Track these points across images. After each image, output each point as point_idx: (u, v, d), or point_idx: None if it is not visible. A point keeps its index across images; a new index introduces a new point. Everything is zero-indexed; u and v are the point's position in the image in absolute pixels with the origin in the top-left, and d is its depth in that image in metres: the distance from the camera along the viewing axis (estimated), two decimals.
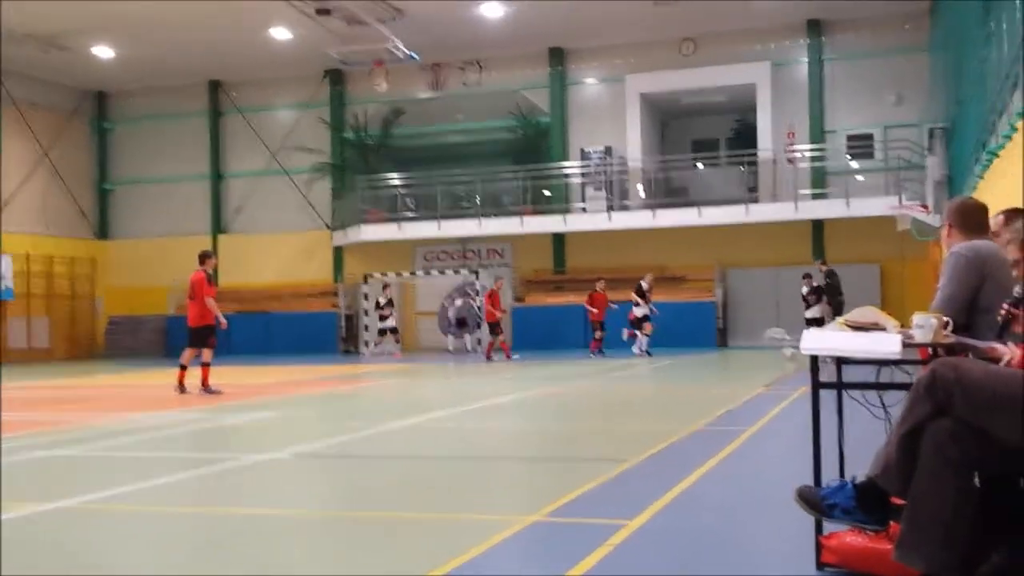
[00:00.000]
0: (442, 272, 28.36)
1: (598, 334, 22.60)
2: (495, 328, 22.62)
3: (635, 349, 22.27)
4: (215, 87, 31.49)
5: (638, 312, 22.35)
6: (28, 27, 25.03)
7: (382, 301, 25.02)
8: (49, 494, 6.36)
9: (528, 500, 6.05)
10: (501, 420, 11.01)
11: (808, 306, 21.83)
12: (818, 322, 19.50)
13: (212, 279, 15.10)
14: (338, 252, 30.31)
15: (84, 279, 31.44)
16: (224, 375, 19.93)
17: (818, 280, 22.27)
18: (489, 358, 22.34)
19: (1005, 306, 3.82)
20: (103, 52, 27.92)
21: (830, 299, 21.44)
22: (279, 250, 30.84)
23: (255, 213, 31.35)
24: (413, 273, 27.99)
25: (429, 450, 8.52)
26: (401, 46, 23.73)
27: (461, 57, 29.13)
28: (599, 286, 23.04)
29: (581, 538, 4.85)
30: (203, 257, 15.21)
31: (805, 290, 22.10)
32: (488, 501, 6.20)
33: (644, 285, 22.37)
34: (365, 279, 28.27)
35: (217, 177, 31.64)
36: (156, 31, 25.99)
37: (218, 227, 31.58)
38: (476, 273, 27.68)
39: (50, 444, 8.94)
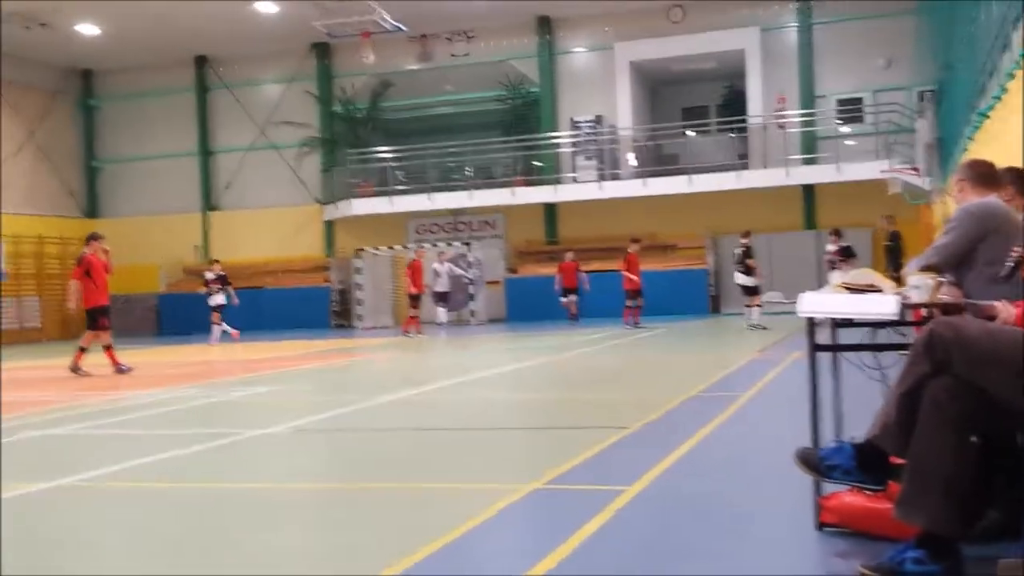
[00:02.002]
0: (434, 244, 28.31)
1: (565, 300, 23.07)
2: (413, 301, 22.43)
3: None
4: (201, 63, 31.24)
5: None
6: (10, 4, 24.75)
7: (210, 277, 22.31)
8: (45, 473, 6.36)
9: (528, 468, 6.07)
10: (497, 391, 11.03)
11: (832, 267, 18.26)
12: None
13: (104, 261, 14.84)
14: (329, 226, 30.23)
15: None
16: (218, 351, 19.95)
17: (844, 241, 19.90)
18: (406, 333, 22.00)
19: (1017, 249, 3.81)
20: (87, 29, 27.64)
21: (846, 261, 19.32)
22: (270, 225, 30.74)
23: (245, 189, 31.22)
24: (405, 246, 27.95)
25: (427, 422, 8.54)
26: (388, 17, 23.53)
27: (449, 28, 28.93)
28: (568, 256, 23.68)
29: (582, 504, 4.87)
30: (89, 238, 15.09)
31: (831, 248, 19.27)
32: (488, 470, 6.23)
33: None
34: (357, 253, 28.21)
35: (206, 153, 31.47)
36: (141, 7, 25.70)
37: (208, 204, 31.46)
38: (468, 245, 27.64)
39: (43, 424, 8.93)
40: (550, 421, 8.32)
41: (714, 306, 26.46)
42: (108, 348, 14.38)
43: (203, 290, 22.42)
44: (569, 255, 23.80)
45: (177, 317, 29.39)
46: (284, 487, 5.90)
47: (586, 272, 23.88)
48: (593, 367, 13.47)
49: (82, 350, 14.28)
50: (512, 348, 16.87)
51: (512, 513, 4.85)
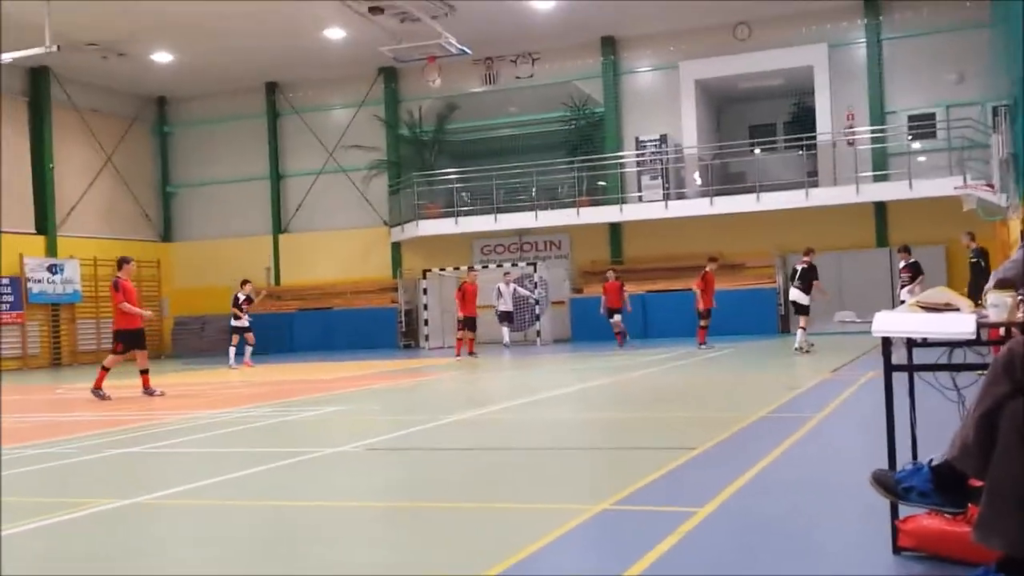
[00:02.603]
0: (499, 265, 28.44)
1: (613, 320, 22.99)
2: (466, 324, 21.67)
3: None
4: (272, 89, 31.90)
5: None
6: (88, 35, 25.58)
7: (241, 298, 22.38)
8: (125, 491, 6.52)
9: (595, 489, 6.05)
10: (564, 411, 11.02)
11: (903, 284, 18.68)
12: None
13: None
14: (396, 248, 30.56)
15: (150, 281, 32.08)
16: (288, 371, 20.25)
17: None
18: (457, 356, 21.64)
19: None
20: (162, 57, 28.45)
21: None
22: (338, 247, 31.19)
23: (314, 212, 31.74)
24: (471, 267, 28.11)
25: (493, 442, 8.57)
26: (454, 41, 23.76)
27: (513, 50, 29.16)
28: (610, 275, 23.49)
29: (650, 526, 4.84)
30: (121, 262, 14.82)
31: (901, 264, 19.18)
32: (555, 490, 6.22)
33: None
34: (424, 274, 28.45)
35: (276, 177, 32.08)
36: (213, 36, 26.42)
37: (278, 226, 32.03)
38: (534, 265, 27.71)
39: (123, 442, 9.16)
40: (617, 441, 8.28)
41: (783, 326, 26.10)
42: (144, 372, 14.46)
43: (234, 312, 22.41)
44: (610, 274, 23.53)
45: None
46: (356, 505, 5.97)
47: (649, 292, 23.72)
48: (660, 387, 13.38)
49: (105, 369, 14.35)
50: (577, 368, 16.84)
51: (580, 534, 4.83)
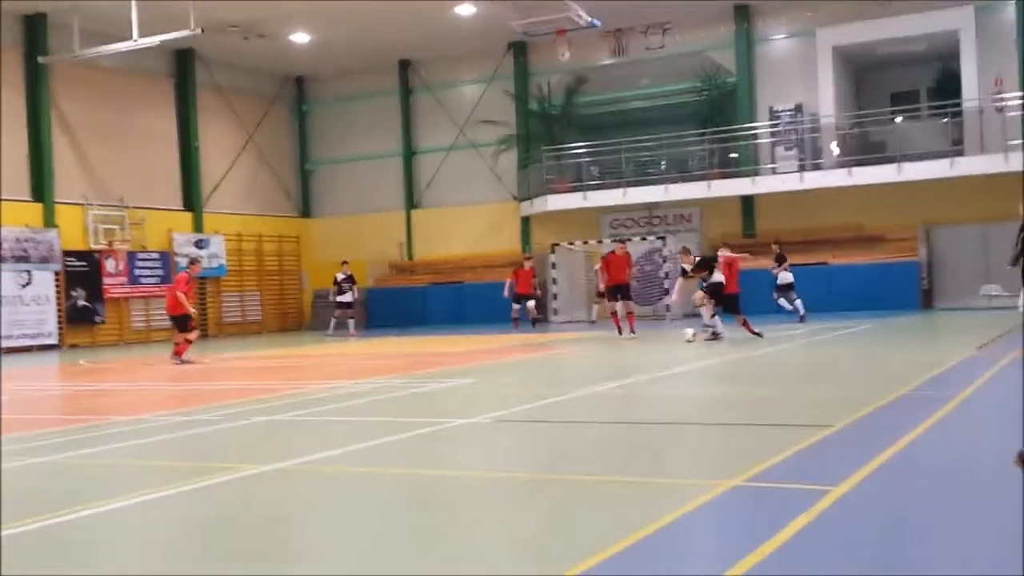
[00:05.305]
0: (628, 239, 28.25)
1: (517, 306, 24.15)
2: (616, 293, 19.77)
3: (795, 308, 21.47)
4: (404, 66, 32.43)
5: (787, 278, 21.61)
6: (230, 17, 26.53)
7: (340, 277, 25.72)
8: (271, 456, 6.84)
9: (726, 465, 6.01)
10: (695, 386, 10.95)
11: None
12: None
13: (191, 279, 17.73)
14: (525, 222, 30.74)
15: (290, 256, 33.23)
16: (421, 344, 20.71)
17: None
18: (620, 332, 19.53)
19: None
20: (300, 38, 29.26)
21: None
22: (469, 222, 31.60)
23: (445, 187, 32.21)
24: (600, 241, 28.04)
25: (624, 415, 8.60)
26: (583, 14, 23.64)
27: (643, 21, 28.81)
28: (525, 264, 24.74)
29: (784, 504, 4.81)
30: (191, 262, 18.39)
31: None
32: (685, 465, 6.22)
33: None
34: (553, 248, 28.54)
35: (409, 153, 32.67)
36: (348, 15, 27.02)
37: (411, 202, 32.64)
38: (663, 239, 27.45)
39: (269, 410, 9.58)
40: (750, 417, 8.18)
41: (926, 301, 25.18)
42: (184, 343, 17.10)
43: (332, 289, 26.10)
44: (526, 263, 24.86)
45: (384, 310, 30.78)
46: (486, 476, 6.11)
47: (788, 266, 23.14)
48: (795, 363, 13.13)
49: (188, 342, 17.18)
50: (708, 342, 16.64)
51: (710, 510, 4.82)
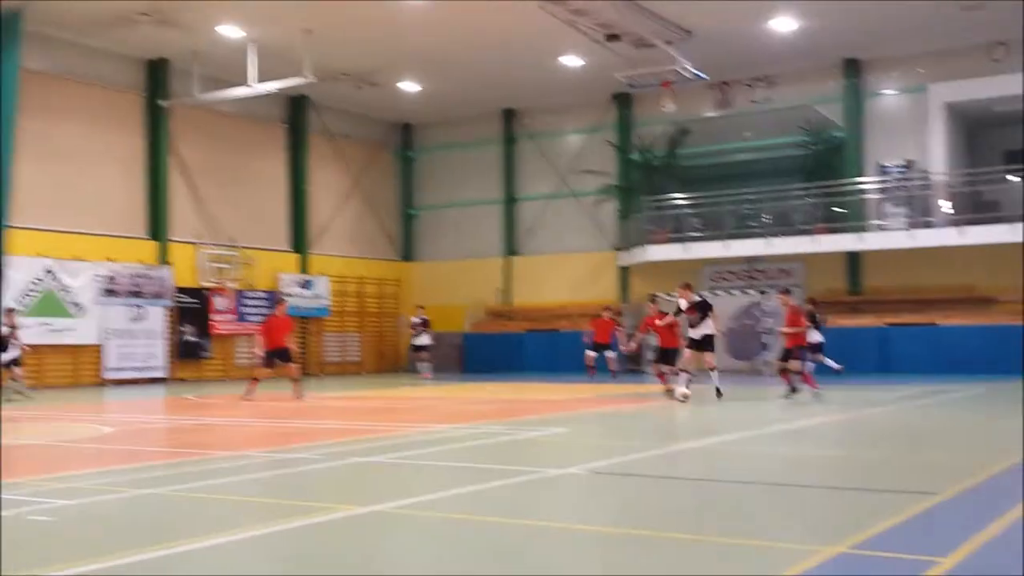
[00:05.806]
0: (729, 292, 27.94)
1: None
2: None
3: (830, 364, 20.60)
4: (508, 115, 32.88)
5: (816, 337, 20.29)
6: (344, 66, 27.37)
7: (416, 321, 26.43)
8: (364, 498, 6.92)
9: (829, 530, 5.85)
10: (793, 446, 10.70)
11: None
12: None
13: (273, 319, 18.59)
14: (624, 272, 30.66)
15: (391, 298, 33.76)
16: (516, 390, 20.74)
17: None
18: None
19: None
20: (409, 87, 29.99)
21: None
22: (567, 270, 31.67)
23: (545, 235, 32.39)
24: (699, 293, 27.69)
25: (720, 473, 8.45)
26: (689, 66, 23.66)
27: (749, 73, 28.68)
28: (604, 314, 24.69)
29: (890, 574, 4.65)
30: (277, 301, 19.56)
31: None
32: (785, 529, 6.07)
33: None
34: (652, 299, 28.30)
35: (510, 201, 33.00)
36: (456, 65, 27.61)
37: (511, 249, 32.90)
38: (763, 293, 27.04)
39: (365, 451, 9.70)
40: (852, 481, 7.95)
41: None
42: (257, 379, 18.05)
43: (410, 332, 26.94)
44: (605, 313, 24.64)
45: (480, 355, 30.98)
46: (581, 528, 6.07)
47: (891, 325, 22.54)
48: (899, 426, 12.73)
49: (255, 380, 17.98)
50: (807, 401, 16.25)
51: None
